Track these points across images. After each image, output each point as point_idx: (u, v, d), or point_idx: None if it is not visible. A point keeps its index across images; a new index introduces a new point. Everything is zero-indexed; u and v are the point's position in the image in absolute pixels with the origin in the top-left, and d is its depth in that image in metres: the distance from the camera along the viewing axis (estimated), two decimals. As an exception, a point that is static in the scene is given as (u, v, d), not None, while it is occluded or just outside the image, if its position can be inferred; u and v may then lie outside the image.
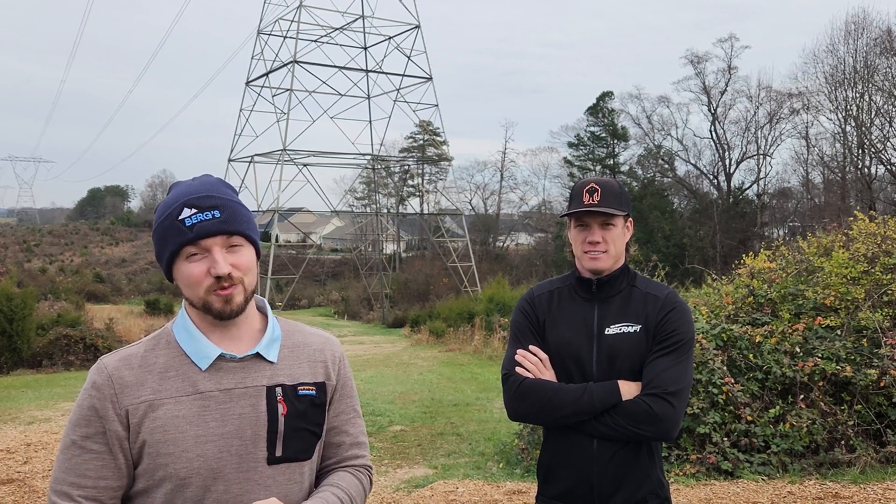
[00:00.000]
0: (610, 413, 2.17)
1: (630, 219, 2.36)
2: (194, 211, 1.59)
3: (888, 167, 35.19)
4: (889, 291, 6.60)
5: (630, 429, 2.15)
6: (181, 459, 1.57)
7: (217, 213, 1.60)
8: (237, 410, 1.63)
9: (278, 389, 1.67)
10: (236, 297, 1.62)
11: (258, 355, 1.68)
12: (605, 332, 2.25)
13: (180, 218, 1.59)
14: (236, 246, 1.62)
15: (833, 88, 36.98)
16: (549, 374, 2.28)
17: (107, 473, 1.58)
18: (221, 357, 1.64)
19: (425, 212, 49.60)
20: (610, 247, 2.26)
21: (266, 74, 36.33)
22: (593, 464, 2.22)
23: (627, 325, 2.25)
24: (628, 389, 2.18)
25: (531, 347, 2.32)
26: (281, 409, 1.66)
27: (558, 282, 2.44)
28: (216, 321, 1.65)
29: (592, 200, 2.25)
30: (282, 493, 1.66)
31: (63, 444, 1.60)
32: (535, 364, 2.29)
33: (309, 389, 1.72)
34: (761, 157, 43.94)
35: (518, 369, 2.30)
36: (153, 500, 1.61)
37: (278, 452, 1.65)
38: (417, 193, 55.11)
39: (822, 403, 6.00)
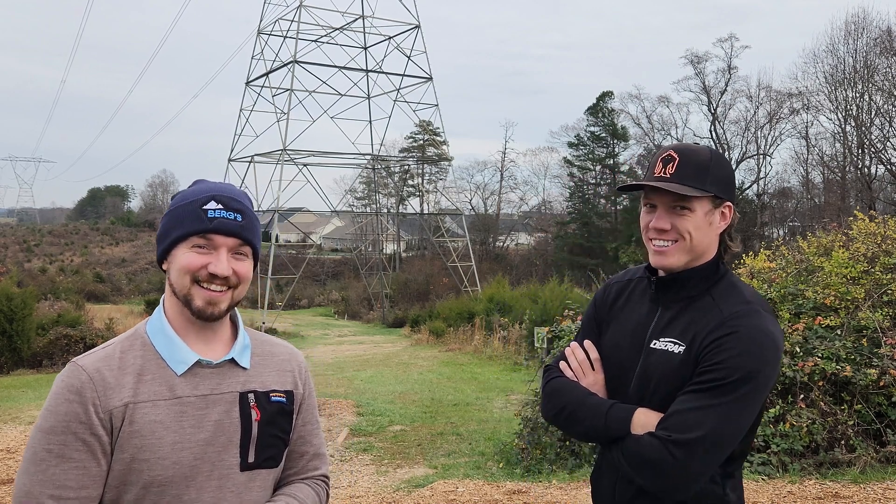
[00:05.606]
0: (618, 444, 1.77)
1: (728, 203, 1.83)
2: (220, 207, 1.62)
3: (888, 167, 35.18)
4: (889, 291, 6.60)
5: (628, 470, 1.74)
6: (157, 466, 1.54)
7: (239, 218, 1.64)
8: (213, 416, 1.61)
9: (251, 395, 1.67)
10: (222, 303, 1.62)
11: (232, 361, 1.68)
12: (652, 345, 1.82)
13: (204, 207, 1.61)
14: (242, 255, 1.65)
15: (833, 88, 36.96)
16: (592, 379, 1.90)
17: (88, 482, 1.51)
18: (198, 363, 1.63)
19: (425, 212, 49.58)
20: (685, 237, 1.76)
21: (266, 74, 36.32)
22: (620, 492, 1.87)
23: (673, 343, 1.78)
24: (645, 422, 1.75)
25: (586, 343, 1.96)
26: (254, 415, 1.66)
27: (642, 271, 1.98)
28: (193, 319, 1.64)
29: (664, 173, 1.74)
30: (252, 499, 1.64)
31: (33, 456, 1.50)
32: (581, 362, 1.93)
33: (280, 397, 1.73)
34: (761, 156, 43.94)
35: (562, 364, 1.96)
36: None
37: (251, 459, 1.64)
38: (417, 193, 55.08)
39: (822, 403, 6.00)
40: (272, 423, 1.69)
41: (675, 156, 1.75)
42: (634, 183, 1.79)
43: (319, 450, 1.85)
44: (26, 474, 1.51)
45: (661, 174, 1.75)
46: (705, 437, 1.65)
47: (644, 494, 1.79)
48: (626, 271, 2.05)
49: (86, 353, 1.64)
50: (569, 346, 1.98)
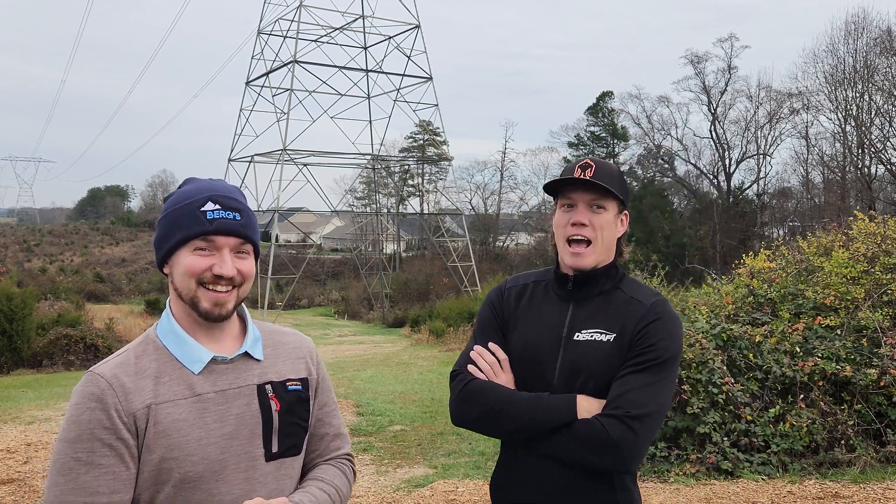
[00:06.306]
0: (562, 432, 1.85)
1: (626, 212, 2.06)
2: (218, 207, 1.62)
3: (888, 167, 35.18)
4: (889, 291, 6.60)
5: (581, 454, 1.83)
6: (186, 463, 1.56)
7: (238, 216, 1.64)
8: (234, 411, 1.63)
9: (268, 387, 1.70)
10: (228, 303, 1.63)
11: (246, 354, 1.70)
12: (574, 338, 1.96)
13: (203, 209, 1.60)
14: (244, 253, 1.65)
15: (833, 88, 36.97)
16: (504, 378, 1.99)
17: (118, 486, 1.53)
18: (213, 359, 1.65)
19: (425, 212, 49.59)
20: (598, 235, 1.96)
21: (266, 74, 36.35)
22: (543, 490, 1.92)
23: (600, 333, 1.94)
24: (588, 407, 1.87)
25: (490, 345, 2.04)
26: (274, 405, 1.69)
27: (536, 275, 2.16)
28: (201, 321, 1.64)
29: (584, 175, 1.95)
30: (279, 488, 1.67)
31: (61, 467, 1.52)
32: (492, 364, 2.01)
33: (296, 385, 1.76)
34: (761, 156, 43.95)
35: (470, 367, 2.03)
36: None
37: (275, 448, 1.67)
38: (417, 193, 55.08)
39: (821, 403, 6.00)
40: (291, 411, 1.72)
41: (592, 164, 1.98)
42: (562, 178, 1.98)
43: (340, 430, 1.88)
44: (56, 486, 1.51)
45: (582, 176, 1.96)
46: (657, 411, 1.86)
47: (580, 477, 1.88)
48: (518, 276, 2.20)
49: (100, 362, 1.65)
50: (472, 349, 2.06)
